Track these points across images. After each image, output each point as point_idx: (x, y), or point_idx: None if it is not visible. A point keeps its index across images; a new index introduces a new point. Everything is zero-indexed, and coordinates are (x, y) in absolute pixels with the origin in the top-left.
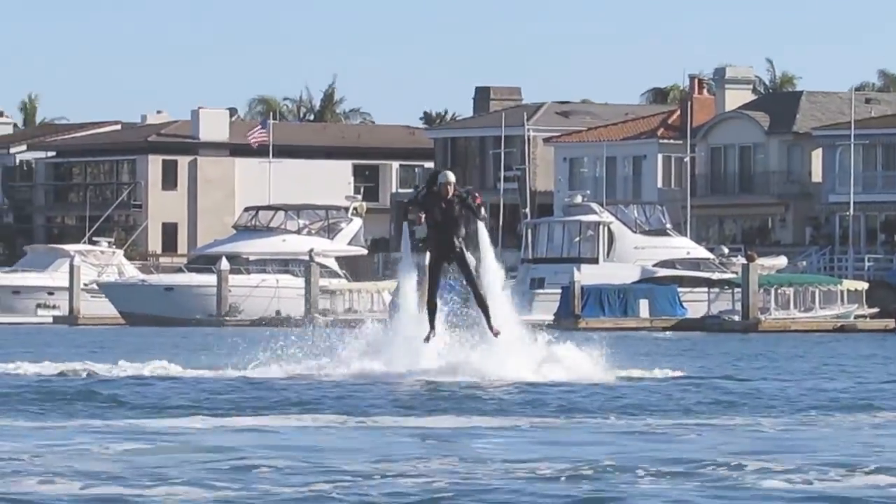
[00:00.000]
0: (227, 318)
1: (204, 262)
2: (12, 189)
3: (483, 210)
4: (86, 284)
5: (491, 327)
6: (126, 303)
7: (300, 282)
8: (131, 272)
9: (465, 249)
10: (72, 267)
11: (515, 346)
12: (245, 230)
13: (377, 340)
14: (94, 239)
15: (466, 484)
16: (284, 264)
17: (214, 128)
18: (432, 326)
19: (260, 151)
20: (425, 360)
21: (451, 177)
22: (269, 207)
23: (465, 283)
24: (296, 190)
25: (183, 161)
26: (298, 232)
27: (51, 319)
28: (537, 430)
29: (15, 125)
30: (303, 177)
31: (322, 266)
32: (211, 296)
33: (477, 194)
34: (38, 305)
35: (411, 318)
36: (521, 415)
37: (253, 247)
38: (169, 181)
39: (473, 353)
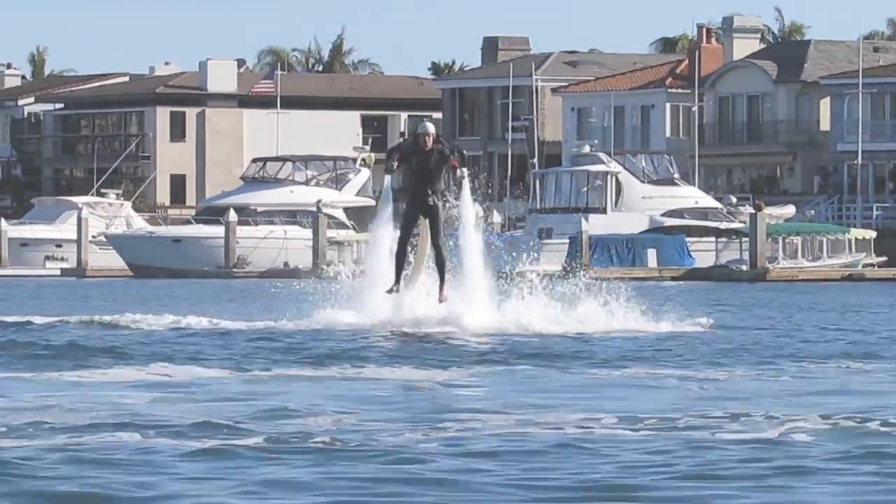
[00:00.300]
0: (235, 270)
1: (212, 214)
2: (20, 141)
3: (460, 171)
4: (93, 237)
5: (441, 292)
6: (134, 255)
7: (308, 233)
8: (139, 224)
9: (438, 203)
10: (79, 219)
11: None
12: (253, 181)
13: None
14: (102, 191)
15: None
16: (292, 215)
17: (222, 79)
18: (397, 279)
19: (268, 102)
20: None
21: (431, 128)
22: (276, 158)
23: (430, 239)
24: (304, 141)
25: (191, 112)
26: (306, 183)
27: (59, 272)
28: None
29: (23, 77)
30: (311, 128)
31: (330, 217)
32: (219, 247)
33: (457, 153)
34: (47, 258)
35: (383, 271)
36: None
37: (261, 198)
38: (177, 133)
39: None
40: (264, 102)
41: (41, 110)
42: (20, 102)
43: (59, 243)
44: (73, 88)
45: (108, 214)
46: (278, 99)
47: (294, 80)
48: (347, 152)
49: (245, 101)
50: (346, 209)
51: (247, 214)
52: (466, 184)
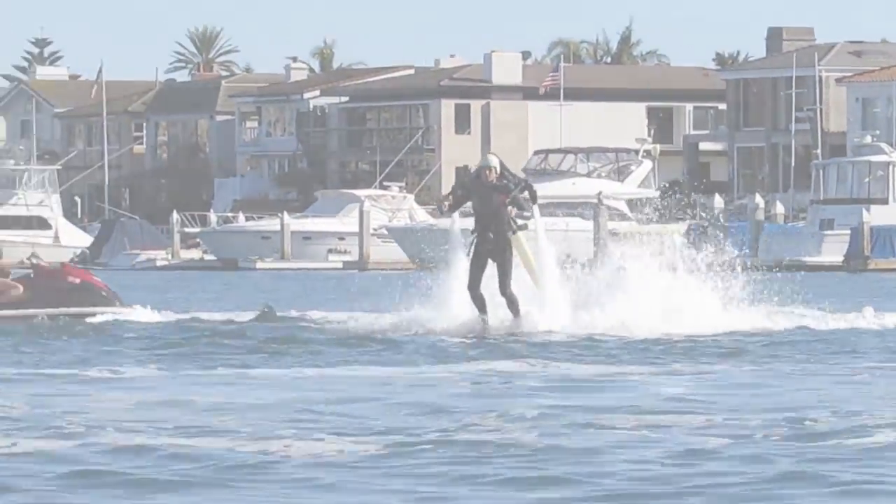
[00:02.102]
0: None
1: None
2: (306, 135)
3: (517, 211)
4: (375, 229)
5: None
6: (415, 247)
7: (589, 225)
8: (422, 217)
9: (505, 244)
10: (361, 212)
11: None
12: (535, 173)
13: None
14: (385, 184)
15: None
16: (574, 207)
17: (508, 71)
18: (483, 312)
19: (552, 94)
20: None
21: (494, 160)
22: (559, 150)
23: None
24: (589, 133)
25: (476, 105)
26: (588, 175)
27: (341, 265)
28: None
29: (311, 70)
30: (596, 119)
31: (611, 209)
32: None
33: (522, 187)
34: (329, 251)
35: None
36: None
37: (543, 190)
38: (462, 125)
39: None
40: (549, 94)
41: (326, 104)
42: (306, 96)
43: (341, 236)
44: (359, 82)
45: (391, 207)
46: (561, 91)
47: (579, 71)
48: (631, 144)
49: (530, 93)
50: (628, 201)
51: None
52: (540, 225)
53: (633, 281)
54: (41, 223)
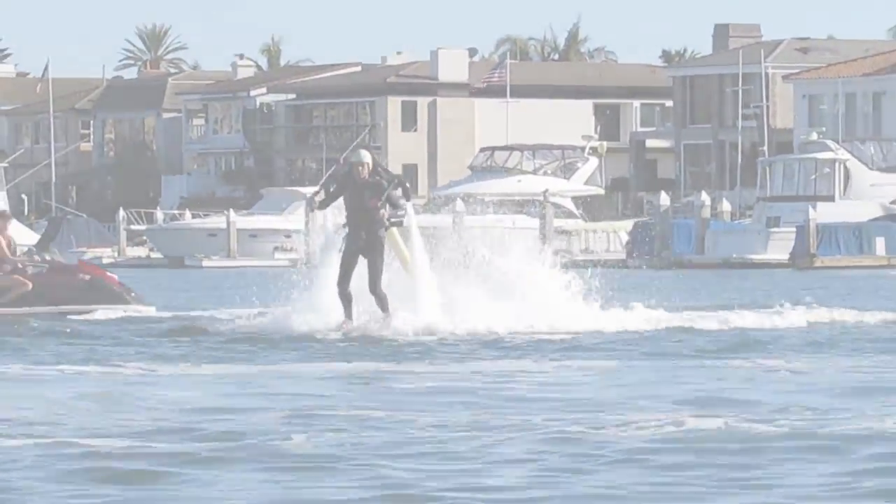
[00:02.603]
0: (466, 259)
1: (440, 204)
2: (253, 132)
3: (398, 198)
4: (321, 226)
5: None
6: None
7: (536, 222)
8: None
9: (375, 242)
10: (307, 209)
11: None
12: (481, 171)
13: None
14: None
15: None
16: (520, 205)
17: (454, 68)
18: (349, 316)
19: (499, 91)
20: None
21: (366, 156)
22: (505, 147)
23: (368, 285)
24: (536, 130)
25: (422, 102)
26: (535, 172)
27: (287, 262)
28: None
29: (259, 67)
30: (543, 117)
31: (558, 206)
32: (447, 237)
33: (395, 185)
34: (276, 248)
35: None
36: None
37: (489, 187)
38: (408, 122)
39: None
40: (496, 91)
41: (273, 101)
42: (252, 93)
43: (287, 234)
44: (306, 79)
45: (338, 204)
46: (508, 88)
47: (525, 68)
48: (578, 141)
49: (476, 90)
50: (574, 198)
51: (475, 204)
52: (414, 224)
53: (499, 280)
54: None
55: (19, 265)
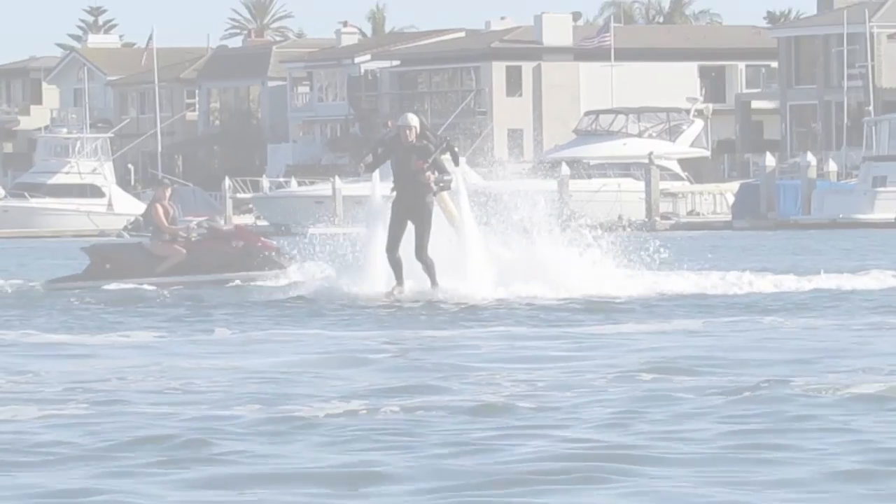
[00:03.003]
0: (569, 223)
1: (545, 168)
2: (357, 99)
3: (436, 176)
4: None
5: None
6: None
7: (642, 185)
8: (474, 179)
9: (424, 207)
10: None
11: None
12: (586, 134)
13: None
14: None
15: None
16: (626, 168)
17: (558, 33)
18: (399, 282)
19: (603, 55)
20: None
21: (413, 120)
22: (609, 111)
23: (415, 249)
24: (641, 93)
25: (527, 67)
26: (640, 135)
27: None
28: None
29: (363, 34)
30: (647, 80)
31: (663, 169)
32: (552, 202)
33: (445, 148)
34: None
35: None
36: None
37: (594, 151)
38: (513, 87)
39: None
40: (600, 55)
41: (378, 67)
42: (357, 60)
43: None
44: (410, 45)
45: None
46: (612, 51)
47: (630, 32)
48: (683, 104)
49: (581, 54)
50: (679, 160)
51: (580, 168)
52: (462, 188)
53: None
54: (94, 191)
55: (181, 234)
